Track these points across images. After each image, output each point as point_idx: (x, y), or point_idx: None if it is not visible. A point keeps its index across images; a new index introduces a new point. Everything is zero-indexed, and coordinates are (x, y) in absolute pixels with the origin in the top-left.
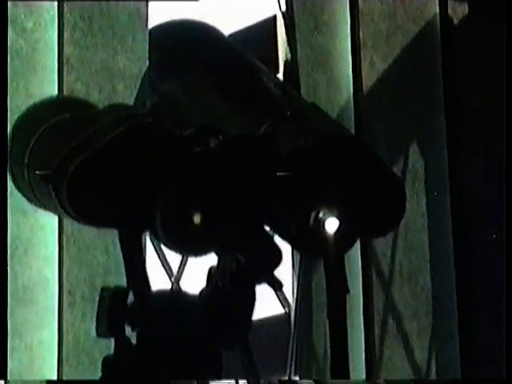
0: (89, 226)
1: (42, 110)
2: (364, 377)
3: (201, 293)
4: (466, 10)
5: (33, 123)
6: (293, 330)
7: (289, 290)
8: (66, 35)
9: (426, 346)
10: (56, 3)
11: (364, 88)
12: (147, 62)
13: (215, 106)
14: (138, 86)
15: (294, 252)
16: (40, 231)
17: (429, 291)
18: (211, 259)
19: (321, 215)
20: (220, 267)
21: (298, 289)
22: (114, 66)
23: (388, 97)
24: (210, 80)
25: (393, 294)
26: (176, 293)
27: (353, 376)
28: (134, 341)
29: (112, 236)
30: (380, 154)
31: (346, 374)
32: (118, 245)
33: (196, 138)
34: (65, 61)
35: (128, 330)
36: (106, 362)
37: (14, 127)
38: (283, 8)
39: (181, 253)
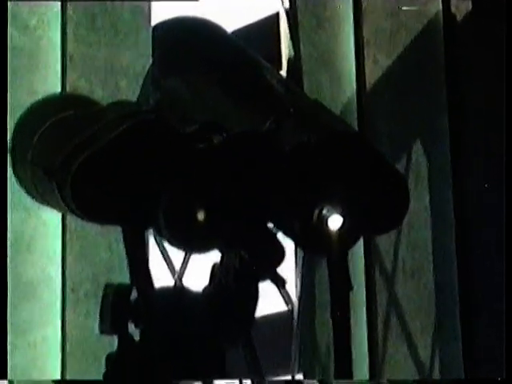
0: (92, 222)
1: (45, 107)
2: (367, 374)
3: (204, 290)
4: (470, 8)
5: (36, 120)
6: (296, 327)
7: (292, 286)
8: (69, 32)
9: (429, 343)
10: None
11: (367, 85)
12: (150, 59)
13: (218, 103)
14: (141, 82)
15: (298, 249)
16: (43, 228)
17: (432, 288)
18: (214, 256)
19: (324, 212)
20: (223, 264)
21: (301, 286)
22: (117, 63)
23: (391, 94)
24: (213, 77)
25: (396, 291)
26: (179, 290)
27: (356, 373)
28: (137, 338)
29: (115, 233)
30: (383, 151)
31: (349, 373)
32: (122, 242)
33: (199, 135)
34: (68, 58)
35: (131, 327)
36: (110, 358)
37: (17, 124)
38: (286, 5)
39: (184, 249)
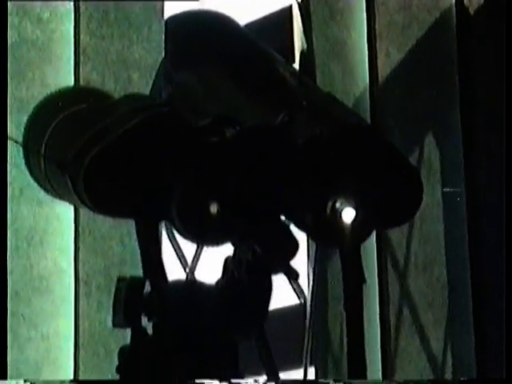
0: (105, 216)
1: (58, 101)
2: (379, 368)
3: (217, 283)
4: (482, 1)
5: (49, 113)
6: (308, 321)
7: (304, 280)
8: (81, 26)
9: (441, 336)
10: None
11: (379, 79)
12: (163, 53)
13: (231, 96)
14: (153, 76)
15: (310, 242)
16: (56, 221)
17: (444, 282)
18: (226, 249)
19: (337, 205)
20: (236, 257)
21: (313, 279)
22: (130, 56)
23: (403, 87)
24: (226, 70)
25: (408, 285)
26: (192, 283)
27: (368, 367)
28: (150, 331)
29: (127, 226)
30: (395, 144)
31: (363, 373)
32: (134, 235)
33: (212, 128)
34: (81, 51)
35: (144, 321)
36: (123, 352)
37: (31, 117)
38: None
39: (197, 242)
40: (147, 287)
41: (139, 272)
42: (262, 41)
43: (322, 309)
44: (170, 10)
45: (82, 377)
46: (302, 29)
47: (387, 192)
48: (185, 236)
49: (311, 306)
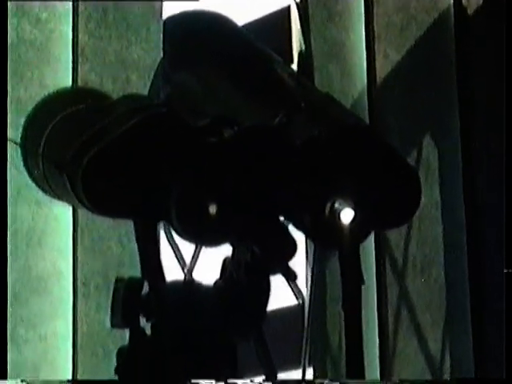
0: (104, 216)
1: (56, 101)
2: (377, 368)
3: (215, 283)
4: (481, 2)
5: (47, 114)
6: (307, 321)
7: (302, 280)
8: (80, 26)
9: (439, 337)
10: None
11: (378, 80)
12: (161, 53)
13: (229, 97)
14: (151, 76)
15: (308, 243)
16: (54, 222)
17: (442, 283)
18: (224, 250)
19: (336, 206)
20: (235, 258)
21: (311, 280)
22: (128, 56)
23: (401, 88)
24: (224, 70)
25: (406, 286)
26: (191, 284)
27: (366, 368)
28: (148, 332)
29: (126, 227)
30: (394, 145)
31: (361, 373)
32: (132, 236)
33: (211, 129)
34: (79, 51)
35: (143, 321)
36: (121, 352)
37: (29, 118)
38: None
39: (196, 243)
40: (145, 288)
41: (137, 272)
42: (260, 41)
43: (321, 310)
44: (169, 10)
45: (80, 377)
46: (300, 30)
47: (385, 193)
48: (183, 236)
49: (309, 306)
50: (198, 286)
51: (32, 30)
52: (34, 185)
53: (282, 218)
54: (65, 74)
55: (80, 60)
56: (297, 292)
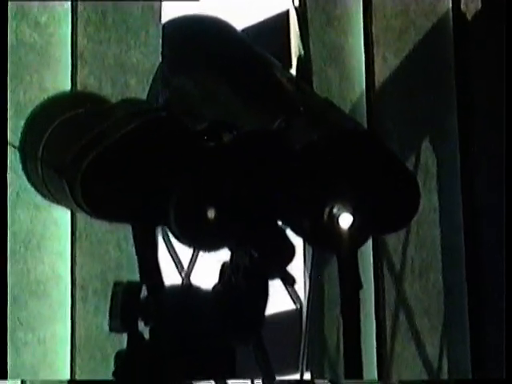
0: (102, 220)
1: (56, 105)
2: (375, 372)
3: (214, 288)
4: (479, 6)
5: (46, 117)
6: (304, 326)
7: (300, 285)
8: (79, 29)
9: (437, 342)
10: None
11: (376, 84)
12: (160, 57)
13: (228, 101)
14: (150, 80)
15: (306, 247)
16: (53, 226)
17: (440, 287)
18: (222, 255)
19: (335, 210)
20: (233, 262)
21: (310, 284)
22: (127, 60)
23: (400, 93)
24: (223, 75)
25: (404, 290)
26: (189, 288)
27: (364, 371)
28: (146, 336)
29: (124, 231)
30: (392, 149)
31: (359, 373)
32: (131, 240)
33: (209, 133)
34: (78, 55)
35: (141, 325)
36: (119, 356)
37: (28, 121)
38: (296, 3)
39: (194, 247)
40: (144, 292)
41: (136, 276)
42: (259, 46)
43: (319, 314)
44: (168, 14)
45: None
46: (298, 34)
47: (384, 197)
48: (181, 241)
49: (308, 310)
50: (197, 290)
51: (31, 33)
52: (32, 188)
53: (280, 223)
54: (64, 77)
55: (79, 63)
56: (294, 296)
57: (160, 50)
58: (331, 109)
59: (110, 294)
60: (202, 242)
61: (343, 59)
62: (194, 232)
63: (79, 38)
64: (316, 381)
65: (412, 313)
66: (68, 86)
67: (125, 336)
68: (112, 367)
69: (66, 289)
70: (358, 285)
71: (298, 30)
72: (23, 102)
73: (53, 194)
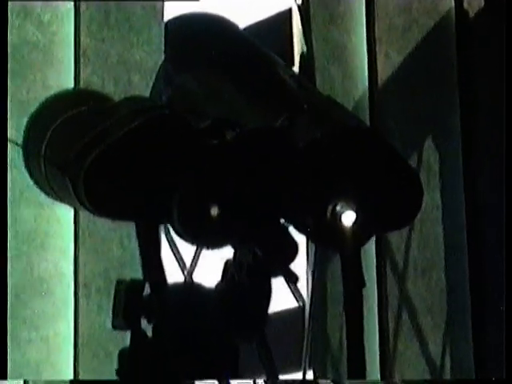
0: (105, 218)
1: (59, 103)
2: (378, 371)
3: (217, 286)
4: (482, 4)
5: (49, 115)
6: (307, 324)
7: (303, 283)
8: (82, 28)
9: (440, 340)
10: None
11: (379, 82)
12: (163, 55)
13: (231, 99)
14: (153, 78)
15: (309, 245)
16: (56, 224)
17: (443, 285)
18: (224, 253)
19: (338, 208)
20: (236, 260)
21: (312, 282)
22: (130, 58)
23: (403, 91)
24: (226, 73)
25: (407, 289)
26: (192, 286)
27: (367, 370)
28: (150, 333)
29: (127, 229)
30: (395, 147)
31: (362, 373)
32: (133, 237)
33: (212, 130)
34: (81, 53)
35: (144, 323)
36: (122, 354)
37: (31, 119)
38: (299, 1)
39: (197, 245)
40: (147, 289)
41: (139, 274)
42: (261, 44)
43: (321, 312)
44: (170, 12)
45: (81, 378)
46: (301, 32)
47: (387, 195)
48: (185, 238)
49: (310, 308)
50: (200, 288)
51: (34, 31)
52: (36, 187)
53: (283, 220)
54: (67, 75)
55: (82, 62)
56: (297, 295)
57: (162, 47)
58: (334, 106)
59: (112, 291)
60: (204, 239)
61: (346, 57)
62: (196, 230)
63: (82, 37)
64: (319, 381)
65: (415, 311)
66: (71, 84)
67: (128, 334)
68: (115, 365)
69: (69, 287)
70: (362, 283)
71: (300, 27)
72: (26, 100)
73: (56, 192)
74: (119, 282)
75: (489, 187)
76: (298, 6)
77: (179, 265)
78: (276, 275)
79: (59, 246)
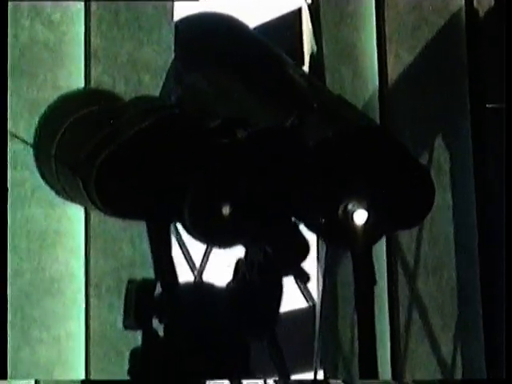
0: (116, 217)
1: (69, 103)
2: (389, 370)
3: (228, 285)
4: (492, 3)
5: (60, 115)
6: (318, 323)
7: (314, 282)
8: (92, 28)
9: (450, 339)
10: None
11: (389, 81)
12: (173, 55)
13: (241, 98)
14: (163, 78)
15: (320, 244)
16: (67, 223)
17: (454, 284)
18: (234, 252)
19: (349, 207)
20: (247, 259)
21: (323, 281)
22: (140, 58)
23: (413, 90)
24: (236, 72)
25: (418, 288)
26: (203, 285)
27: (378, 369)
28: (161, 333)
29: (138, 228)
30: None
31: (374, 373)
32: (144, 237)
33: (223, 130)
34: (91, 53)
35: (155, 322)
36: (134, 354)
37: (42, 119)
38: (309, 0)
39: (209, 244)
40: (158, 289)
41: (150, 274)
42: (271, 43)
43: (332, 312)
44: (180, 12)
45: (92, 378)
46: (311, 31)
47: (398, 193)
48: (196, 237)
49: (321, 307)
50: (211, 287)
51: (45, 31)
52: (47, 186)
53: (294, 219)
54: (77, 75)
55: (92, 61)
56: (307, 294)
57: (173, 47)
58: (345, 106)
59: (123, 291)
60: (216, 238)
61: (356, 56)
62: (208, 229)
63: (92, 37)
64: (330, 381)
65: (426, 310)
66: (81, 84)
67: (139, 333)
68: (126, 365)
69: (80, 286)
70: (373, 281)
71: (310, 27)
72: (37, 100)
73: (67, 192)
74: (130, 282)
75: (499, 186)
76: (308, 6)
77: (189, 265)
78: (287, 274)
79: (70, 246)
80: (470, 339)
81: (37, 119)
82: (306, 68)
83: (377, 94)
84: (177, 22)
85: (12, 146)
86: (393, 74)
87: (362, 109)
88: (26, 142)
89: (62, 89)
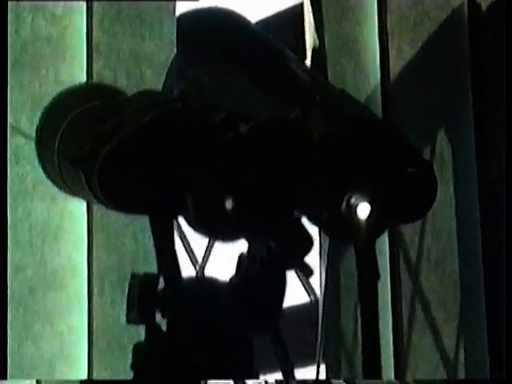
0: (119, 211)
1: (71, 97)
2: (392, 365)
3: (231, 279)
4: None
5: (62, 110)
6: (321, 318)
7: (317, 277)
8: (94, 22)
9: (453, 333)
10: None
11: (391, 75)
12: (175, 49)
13: (243, 93)
14: (165, 72)
15: (322, 238)
16: (69, 217)
17: (457, 278)
18: (236, 247)
19: (353, 200)
20: (250, 253)
21: (326, 276)
22: (142, 52)
23: (415, 84)
24: (238, 67)
25: (420, 282)
26: (207, 279)
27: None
28: (164, 327)
29: (140, 223)
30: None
31: (378, 373)
32: (147, 232)
33: (226, 124)
34: (93, 48)
35: (158, 317)
36: (137, 348)
37: (44, 114)
38: None
39: (212, 238)
40: (161, 283)
41: (152, 268)
42: (273, 38)
43: (335, 307)
44: (182, 6)
45: (95, 373)
46: (313, 25)
47: (402, 187)
48: (200, 232)
49: (324, 302)
50: (214, 282)
51: (47, 26)
52: (49, 181)
53: (297, 213)
54: (79, 69)
55: (94, 56)
56: (310, 290)
57: (175, 41)
58: (347, 100)
59: (126, 286)
60: (219, 232)
61: (358, 51)
62: (211, 223)
63: (94, 31)
64: (332, 381)
65: (428, 304)
66: (83, 79)
67: (142, 328)
68: (129, 359)
69: (82, 281)
70: (376, 275)
71: (312, 21)
72: (39, 94)
73: (69, 186)
74: (133, 276)
75: (501, 180)
76: (310, 0)
77: (191, 259)
78: (290, 268)
79: (72, 240)
80: (472, 333)
81: (39, 113)
82: (308, 62)
83: (379, 88)
84: (179, 17)
85: (14, 140)
86: (395, 68)
87: (365, 103)
88: (28, 137)
89: (64, 83)
